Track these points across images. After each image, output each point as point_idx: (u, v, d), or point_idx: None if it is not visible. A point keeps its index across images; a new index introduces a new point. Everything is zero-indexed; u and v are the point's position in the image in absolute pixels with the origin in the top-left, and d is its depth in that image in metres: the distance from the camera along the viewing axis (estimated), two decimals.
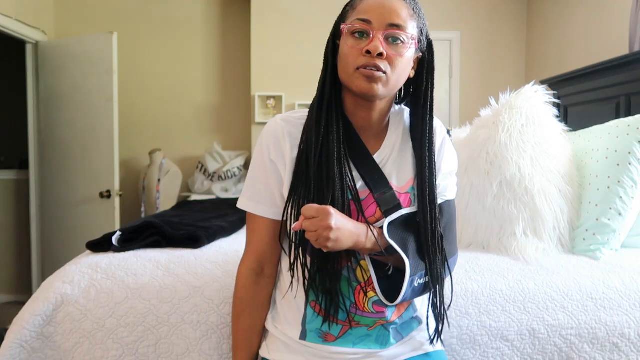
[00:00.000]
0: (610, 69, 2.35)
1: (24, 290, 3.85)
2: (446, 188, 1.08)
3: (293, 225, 0.92)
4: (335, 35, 1.02)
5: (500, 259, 1.42)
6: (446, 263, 1.02)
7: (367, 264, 0.98)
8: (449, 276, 1.07)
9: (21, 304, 1.42)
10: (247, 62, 3.97)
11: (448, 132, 1.13)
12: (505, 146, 1.53)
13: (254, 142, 3.90)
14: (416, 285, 0.97)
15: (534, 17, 3.91)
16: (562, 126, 1.67)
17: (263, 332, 1.10)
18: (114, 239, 1.39)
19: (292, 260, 1.00)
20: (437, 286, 1.01)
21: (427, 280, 0.99)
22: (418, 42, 0.98)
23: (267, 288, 1.08)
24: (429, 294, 1.03)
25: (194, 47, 4.05)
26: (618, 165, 1.49)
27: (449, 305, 1.07)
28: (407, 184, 1.03)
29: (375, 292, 0.98)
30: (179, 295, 1.20)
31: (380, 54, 0.93)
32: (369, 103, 1.01)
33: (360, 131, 1.03)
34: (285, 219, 1.01)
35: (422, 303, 1.09)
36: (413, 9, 0.97)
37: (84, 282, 1.22)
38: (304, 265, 0.99)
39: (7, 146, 4.61)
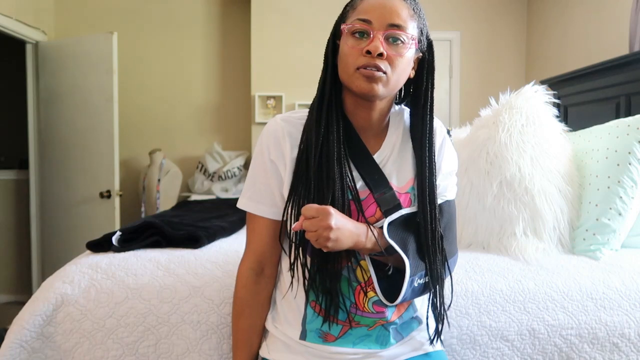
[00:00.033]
0: (610, 69, 2.35)
1: (24, 290, 3.85)
2: (446, 188, 1.08)
3: (293, 225, 0.92)
4: (336, 35, 1.02)
5: (500, 259, 1.42)
6: (446, 263, 1.02)
7: (367, 264, 0.98)
8: (449, 276, 1.07)
9: (21, 304, 1.42)
10: (247, 62, 3.97)
11: (448, 132, 1.13)
12: (505, 146, 1.53)
13: (254, 142, 3.90)
14: (416, 285, 0.97)
15: (534, 17, 3.91)
16: (562, 126, 1.67)
17: (263, 332, 1.10)
18: (114, 239, 1.39)
19: (292, 260, 1.00)
20: (437, 286, 1.01)
21: (427, 280, 0.99)
22: (418, 42, 0.98)
23: (267, 288, 1.08)
24: (429, 294, 1.03)
25: (194, 47, 4.05)
26: (618, 165, 1.49)
27: (449, 305, 1.07)
28: (407, 184, 1.03)
29: (375, 292, 0.98)
30: (179, 295, 1.20)
31: (381, 54, 0.93)
32: (369, 103, 1.01)
33: (360, 131, 1.03)
34: (285, 219, 1.01)
35: (422, 303, 1.09)
36: (413, 9, 0.97)
37: (84, 282, 1.22)
38: (304, 265, 0.99)
39: (7, 146, 4.61)
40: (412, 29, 0.96)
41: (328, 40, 1.03)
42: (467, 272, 1.33)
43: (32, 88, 3.56)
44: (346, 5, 1.02)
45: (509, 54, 4.02)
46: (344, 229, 0.90)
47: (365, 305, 1.00)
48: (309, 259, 0.99)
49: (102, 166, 3.25)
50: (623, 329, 1.24)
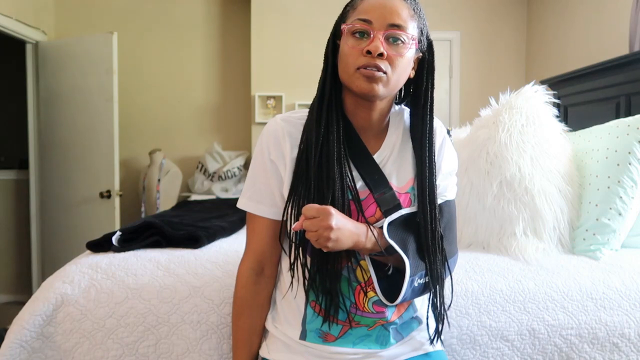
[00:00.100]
0: (610, 69, 2.35)
1: (24, 290, 3.85)
2: (446, 188, 1.09)
3: (293, 225, 0.92)
4: (336, 35, 1.02)
5: (500, 259, 1.42)
6: (446, 263, 1.02)
7: (367, 264, 0.98)
8: (449, 276, 1.07)
9: (21, 304, 1.42)
10: (247, 62, 3.97)
11: (448, 132, 1.13)
12: (505, 146, 1.53)
13: (254, 142, 3.90)
14: (416, 285, 0.97)
15: (534, 17, 3.91)
16: (562, 126, 1.67)
17: (263, 332, 1.10)
18: (114, 239, 1.39)
19: (292, 261, 1.00)
20: (437, 286, 1.01)
21: (427, 280, 0.99)
22: (418, 42, 0.98)
23: (267, 288, 1.08)
24: (429, 294, 1.03)
25: (194, 47, 4.05)
26: (618, 165, 1.49)
27: (449, 305, 1.07)
28: (407, 184, 1.03)
29: (375, 292, 0.98)
30: (179, 295, 1.20)
31: (381, 54, 0.93)
32: (369, 103, 1.01)
33: (360, 131, 1.03)
34: (285, 219, 1.01)
35: (422, 303, 1.09)
36: (413, 9, 0.97)
37: (84, 282, 1.22)
38: (304, 265, 0.99)
39: (7, 146, 4.61)
40: (412, 29, 0.96)
41: (328, 40, 1.03)
42: (467, 272, 1.33)
43: (32, 88, 3.56)
44: (346, 5, 1.02)
45: (509, 54, 4.02)
46: (344, 229, 0.90)
47: (365, 305, 1.00)
48: (309, 259, 0.99)
49: (102, 166, 3.25)
50: (623, 329, 1.24)
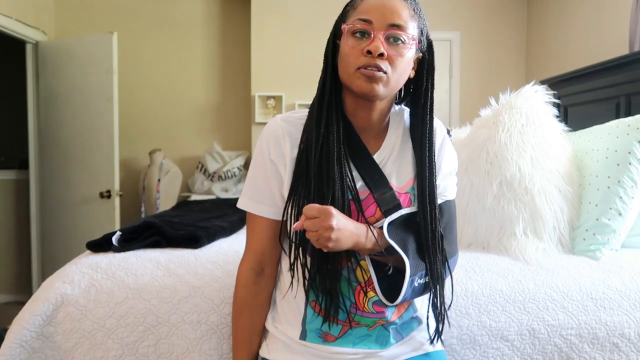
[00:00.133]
0: (610, 69, 2.35)
1: (24, 290, 3.85)
2: (446, 188, 1.09)
3: (294, 225, 0.91)
4: (336, 35, 1.02)
5: (500, 259, 1.42)
6: (446, 263, 1.02)
7: (367, 264, 0.98)
8: (449, 276, 1.07)
9: (21, 304, 1.42)
10: (247, 62, 3.97)
11: (448, 132, 1.13)
12: (505, 146, 1.53)
13: (254, 142, 3.90)
14: (416, 285, 0.97)
15: (534, 17, 3.91)
16: (562, 126, 1.67)
17: (263, 332, 1.10)
18: (114, 239, 1.39)
19: (292, 261, 1.00)
20: (438, 286, 1.01)
21: (427, 280, 0.98)
22: (418, 43, 0.98)
23: (267, 288, 1.08)
24: (429, 294, 1.03)
25: (194, 47, 4.05)
26: (618, 165, 1.49)
27: (449, 305, 1.07)
28: (407, 184, 1.03)
29: (375, 292, 0.98)
30: (179, 295, 1.20)
31: (381, 54, 0.93)
32: (369, 103, 1.00)
33: (360, 131, 1.03)
34: (285, 219, 1.01)
35: (422, 303, 1.09)
36: (414, 9, 0.97)
37: (84, 282, 1.22)
38: (303, 265, 0.99)
39: (7, 146, 4.61)
40: (412, 29, 0.96)
41: (328, 40, 1.03)
42: (467, 272, 1.33)
43: (32, 88, 3.56)
44: (346, 5, 1.02)
45: (509, 54, 4.02)
46: (344, 230, 0.90)
47: (365, 305, 1.00)
48: (309, 259, 0.99)
49: (102, 166, 3.25)
50: (623, 329, 1.24)
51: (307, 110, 1.05)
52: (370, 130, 1.04)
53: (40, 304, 1.17)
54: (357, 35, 0.95)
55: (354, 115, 1.03)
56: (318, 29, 3.31)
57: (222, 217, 1.92)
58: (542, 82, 2.85)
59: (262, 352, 1.08)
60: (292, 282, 1.02)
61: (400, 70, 0.96)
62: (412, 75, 1.03)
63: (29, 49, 3.57)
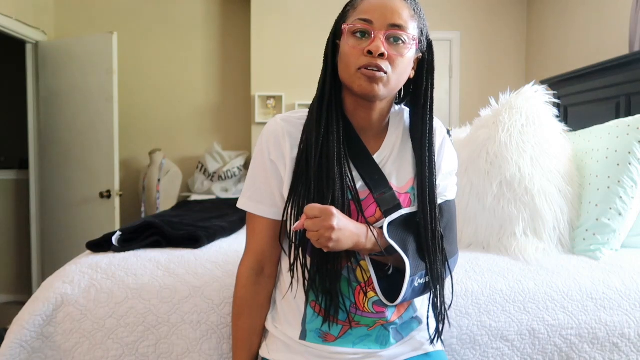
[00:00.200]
0: (610, 69, 2.35)
1: (24, 290, 3.85)
2: (446, 188, 1.08)
3: (295, 225, 0.91)
4: (336, 35, 1.02)
5: (500, 259, 1.42)
6: (446, 263, 1.02)
7: (367, 264, 0.98)
8: (450, 276, 1.07)
9: (21, 304, 1.42)
10: (247, 62, 3.97)
11: (448, 132, 1.13)
12: (505, 146, 1.53)
13: (254, 142, 3.90)
14: (416, 285, 0.97)
15: (534, 17, 3.91)
16: (562, 126, 1.67)
17: (263, 332, 1.10)
18: (114, 239, 1.39)
19: (291, 261, 1.00)
20: (438, 286, 1.01)
21: (427, 280, 0.98)
22: (418, 43, 0.99)
23: (267, 288, 1.08)
24: (429, 294, 1.03)
25: (194, 47, 4.05)
26: (618, 165, 1.49)
27: (450, 305, 1.07)
28: (406, 184, 1.03)
29: (375, 292, 0.98)
30: (179, 295, 1.20)
31: (382, 54, 0.93)
32: (370, 103, 1.00)
33: (360, 131, 1.03)
34: (285, 219, 1.01)
35: (422, 303, 1.09)
36: (414, 9, 0.97)
37: (84, 282, 1.22)
38: (303, 265, 0.99)
39: (7, 146, 4.61)
40: (412, 29, 0.96)
41: (328, 40, 1.03)
42: (467, 272, 1.33)
43: (32, 88, 3.56)
44: (346, 5, 1.02)
45: (509, 54, 4.02)
46: (345, 230, 0.90)
47: (365, 305, 1.00)
48: (308, 259, 0.99)
49: (102, 166, 3.25)
50: (623, 329, 1.24)
51: (307, 110, 1.05)
52: (370, 130, 1.04)
53: (40, 304, 1.17)
54: (358, 35, 0.95)
55: (354, 115, 1.03)
56: (318, 29, 3.30)
57: (222, 217, 1.92)
58: (542, 82, 2.85)
59: (262, 352, 1.08)
60: (292, 283, 1.02)
61: (400, 70, 0.96)
62: (412, 75, 1.03)
63: (29, 49, 3.57)
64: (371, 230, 0.95)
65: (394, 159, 1.04)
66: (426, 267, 0.98)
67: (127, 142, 3.83)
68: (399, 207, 1.00)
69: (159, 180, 3.69)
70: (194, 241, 1.45)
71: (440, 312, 1.03)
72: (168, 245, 1.44)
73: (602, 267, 1.38)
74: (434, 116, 1.04)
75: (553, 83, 2.81)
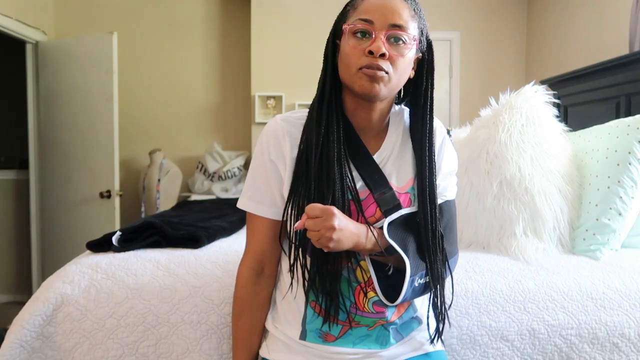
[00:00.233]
0: (610, 69, 2.35)
1: (24, 290, 3.85)
2: (446, 188, 1.08)
3: (295, 224, 0.91)
4: (335, 35, 1.02)
5: (500, 259, 1.42)
6: (447, 263, 1.02)
7: (367, 264, 0.98)
8: (450, 276, 1.07)
9: (21, 304, 1.42)
10: (247, 62, 3.97)
11: (448, 132, 1.13)
12: (505, 146, 1.53)
13: (254, 142, 3.90)
14: (416, 285, 0.97)
15: (534, 17, 3.91)
16: (562, 126, 1.67)
17: (263, 332, 1.10)
18: (114, 239, 1.39)
19: (291, 262, 1.00)
20: (438, 286, 1.01)
21: (427, 280, 0.98)
22: (419, 43, 0.99)
23: (267, 288, 1.08)
24: (429, 293, 1.03)
25: (194, 47, 4.05)
26: (618, 165, 1.49)
27: (450, 305, 1.07)
28: (406, 184, 1.03)
29: (376, 293, 0.98)
30: (179, 295, 1.20)
31: (383, 55, 0.93)
32: (370, 103, 1.00)
33: (360, 131, 1.03)
34: (285, 219, 1.01)
35: (422, 303, 1.09)
36: (414, 9, 0.98)
37: (84, 282, 1.22)
38: (303, 266, 0.99)
39: (7, 146, 4.61)
40: (412, 29, 0.96)
41: (327, 39, 1.03)
42: (467, 272, 1.33)
43: (32, 88, 3.56)
44: (346, 5, 1.02)
45: (509, 54, 4.02)
46: (346, 230, 0.90)
47: (365, 305, 1.00)
48: (308, 260, 0.99)
49: (102, 166, 3.25)
50: (623, 329, 1.24)
51: (307, 110, 1.05)
52: (370, 130, 1.04)
53: (40, 304, 1.17)
54: (358, 35, 0.95)
55: (354, 116, 1.03)
56: (318, 29, 3.30)
57: (222, 217, 1.92)
58: (542, 82, 2.85)
59: (262, 352, 1.08)
60: (291, 283, 1.02)
61: (401, 70, 0.96)
62: (412, 75, 1.03)
63: (29, 49, 3.57)
64: (371, 231, 0.95)
65: (394, 159, 1.04)
66: (426, 267, 0.98)
67: (127, 142, 3.83)
68: (399, 207, 1.00)
69: (159, 180, 3.69)
70: (194, 241, 1.45)
71: (440, 312, 1.03)
72: (168, 245, 1.44)
73: (602, 267, 1.38)
74: (434, 116, 1.04)
75: (553, 83, 2.81)
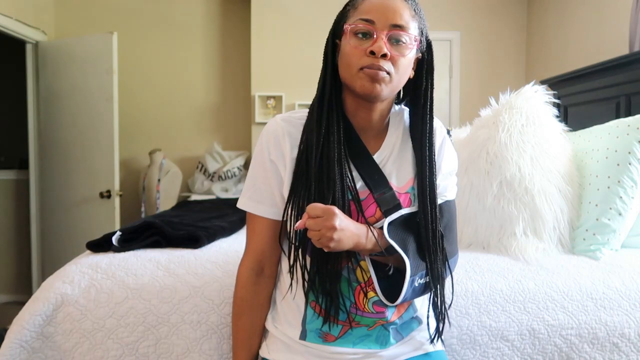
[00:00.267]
0: (610, 69, 2.35)
1: (24, 290, 3.85)
2: (446, 188, 1.08)
3: (297, 224, 0.91)
4: (335, 34, 1.02)
5: (500, 259, 1.42)
6: (447, 262, 1.02)
7: (367, 264, 0.98)
8: (450, 276, 1.07)
9: (21, 304, 1.42)
10: (247, 62, 3.97)
11: (448, 132, 1.13)
12: (505, 146, 1.53)
13: (254, 142, 3.90)
14: (417, 285, 0.97)
15: (534, 17, 3.91)
16: (562, 126, 1.67)
17: (263, 332, 1.10)
18: (114, 239, 1.39)
19: (291, 263, 1.00)
20: (438, 286, 1.01)
21: (427, 280, 0.98)
22: (419, 43, 0.99)
23: (267, 288, 1.08)
24: (429, 293, 1.03)
25: (194, 47, 4.05)
26: (618, 165, 1.49)
27: (450, 305, 1.07)
28: (406, 184, 1.03)
29: (376, 293, 0.98)
30: (179, 295, 1.20)
31: (384, 55, 0.93)
32: (370, 104, 1.00)
33: (361, 131, 1.03)
34: (285, 219, 1.00)
35: (422, 303, 1.09)
36: (414, 9, 0.98)
37: (84, 282, 1.22)
38: (303, 267, 0.99)
39: (7, 146, 4.61)
40: (413, 30, 0.96)
41: (327, 39, 1.03)
42: (467, 272, 1.33)
43: (32, 88, 3.56)
44: (346, 5, 1.02)
45: (509, 54, 4.02)
46: (346, 230, 0.90)
47: (365, 305, 1.00)
48: (308, 260, 0.99)
49: (102, 166, 3.25)
50: (623, 329, 1.24)
51: (307, 110, 1.05)
52: (371, 130, 1.04)
53: (40, 304, 1.17)
54: (360, 35, 0.95)
55: (355, 116, 1.03)
56: (318, 29, 3.30)
57: (222, 217, 1.92)
58: (542, 82, 2.85)
59: (262, 352, 1.08)
60: (291, 284, 1.02)
61: (402, 70, 0.96)
62: (411, 76, 1.03)
63: (29, 49, 3.57)
64: (371, 231, 0.95)
65: (394, 159, 1.04)
66: (427, 266, 0.98)
67: (127, 142, 3.82)
68: (399, 207, 1.00)
69: (159, 180, 3.69)
70: (194, 241, 1.45)
71: (440, 312, 1.03)
72: (168, 245, 1.44)
73: (602, 267, 1.38)
74: (434, 116, 1.04)
75: (553, 83, 2.81)
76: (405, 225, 0.98)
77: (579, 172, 1.61)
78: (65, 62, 3.40)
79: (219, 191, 3.71)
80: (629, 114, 2.19)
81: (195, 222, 1.72)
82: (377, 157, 1.03)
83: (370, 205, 0.99)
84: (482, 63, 3.99)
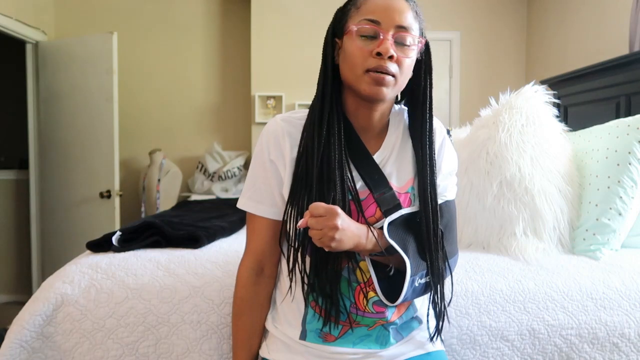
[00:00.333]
0: (610, 69, 2.35)
1: (24, 290, 3.85)
2: (446, 188, 1.08)
3: (299, 223, 0.91)
4: (335, 34, 1.02)
5: (500, 259, 1.42)
6: (447, 262, 1.02)
7: (367, 264, 0.98)
8: (450, 276, 1.07)
9: (21, 304, 1.42)
10: (247, 62, 3.97)
11: (448, 132, 1.13)
12: (505, 146, 1.53)
13: (254, 142, 3.90)
14: (417, 285, 0.97)
15: (534, 17, 3.91)
16: (562, 126, 1.67)
17: (263, 332, 1.10)
18: (114, 239, 1.39)
19: (290, 266, 1.00)
20: (438, 285, 1.01)
21: (427, 280, 0.98)
22: (421, 44, 0.99)
23: (267, 288, 1.08)
24: (429, 293, 1.03)
25: (194, 47, 4.06)
26: (618, 165, 1.49)
27: (449, 302, 1.07)
28: (406, 184, 1.03)
29: (376, 293, 0.98)
30: (179, 295, 1.20)
31: (391, 56, 0.93)
32: (372, 104, 1.00)
33: (361, 131, 1.03)
34: (285, 219, 1.00)
35: (422, 303, 1.09)
36: (415, 11, 0.98)
37: (84, 282, 1.22)
38: (302, 271, 0.99)
39: (7, 146, 4.61)
40: (416, 31, 0.96)
41: (326, 38, 1.03)
42: (467, 272, 1.33)
43: (32, 88, 3.56)
44: (346, 4, 1.02)
45: (509, 54, 4.02)
46: (347, 230, 0.90)
47: (366, 305, 1.00)
48: (308, 260, 0.99)
49: (102, 166, 3.25)
50: (623, 329, 1.24)
51: (307, 110, 1.04)
52: (371, 130, 1.04)
53: (40, 304, 1.17)
54: (365, 36, 0.95)
55: (355, 116, 1.03)
56: (318, 29, 3.30)
57: (222, 217, 1.92)
58: (542, 82, 2.85)
59: (262, 352, 1.08)
60: (290, 286, 1.02)
61: (406, 71, 0.97)
62: (410, 76, 1.03)
63: (29, 49, 3.57)
64: (371, 231, 0.95)
65: (394, 159, 1.04)
66: (427, 266, 0.98)
67: (127, 142, 3.83)
68: (399, 207, 0.99)
69: (159, 180, 3.69)
70: (194, 241, 1.45)
71: (440, 310, 1.03)
72: (168, 245, 1.44)
73: (602, 267, 1.38)
74: (434, 116, 1.04)
75: (553, 83, 2.81)
76: (405, 225, 0.98)
77: (579, 172, 1.61)
78: (65, 62, 3.40)
79: (219, 191, 3.71)
80: (629, 114, 2.19)
81: (195, 222, 1.72)
82: (377, 157, 1.03)
83: (370, 205, 0.99)
84: (482, 63, 3.99)
